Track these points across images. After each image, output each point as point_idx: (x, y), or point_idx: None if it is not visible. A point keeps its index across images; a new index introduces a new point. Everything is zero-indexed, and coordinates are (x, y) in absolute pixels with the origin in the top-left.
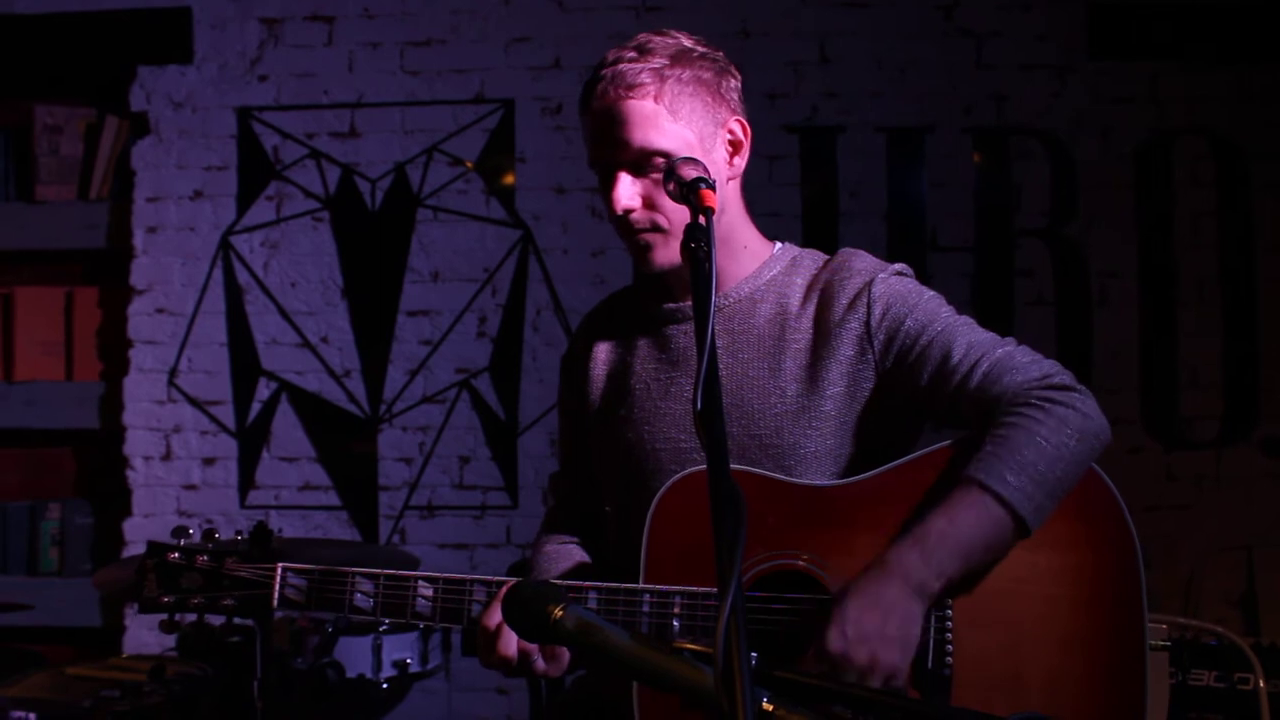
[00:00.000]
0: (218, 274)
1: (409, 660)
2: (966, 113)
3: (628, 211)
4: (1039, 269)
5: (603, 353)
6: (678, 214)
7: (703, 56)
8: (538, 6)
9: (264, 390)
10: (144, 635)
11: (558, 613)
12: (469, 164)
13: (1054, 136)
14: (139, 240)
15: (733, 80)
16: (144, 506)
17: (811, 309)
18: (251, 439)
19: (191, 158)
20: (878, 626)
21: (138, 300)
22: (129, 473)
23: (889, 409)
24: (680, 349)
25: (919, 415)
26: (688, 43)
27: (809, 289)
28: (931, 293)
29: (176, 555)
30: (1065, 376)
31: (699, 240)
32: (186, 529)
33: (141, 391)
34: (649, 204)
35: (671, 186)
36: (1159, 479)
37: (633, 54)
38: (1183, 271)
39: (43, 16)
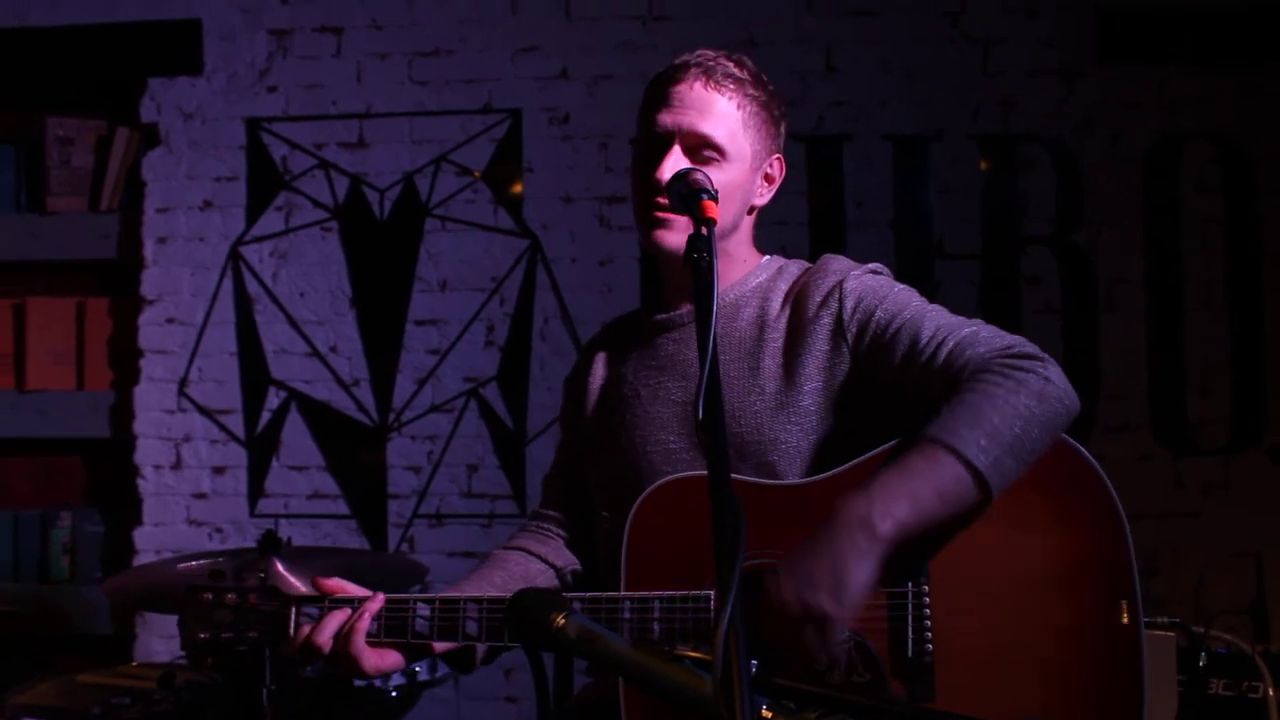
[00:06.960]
0: (227, 284)
1: (418, 669)
2: (973, 119)
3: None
4: (1046, 276)
5: (600, 367)
6: None
7: (775, 93)
8: (545, 16)
9: (273, 399)
10: (154, 643)
11: (560, 620)
12: (477, 174)
13: (1061, 143)
14: (149, 251)
15: (785, 123)
16: (154, 515)
17: (788, 309)
18: (261, 448)
19: (201, 168)
20: (809, 571)
21: (148, 310)
22: (139, 481)
23: (867, 400)
24: (668, 355)
25: (896, 404)
26: (764, 77)
27: (788, 293)
28: (902, 286)
29: (209, 595)
30: (1029, 347)
31: (701, 250)
32: (222, 571)
33: (152, 401)
34: None
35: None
36: (1168, 486)
37: (724, 58)
38: (1190, 277)
39: (55, 29)
